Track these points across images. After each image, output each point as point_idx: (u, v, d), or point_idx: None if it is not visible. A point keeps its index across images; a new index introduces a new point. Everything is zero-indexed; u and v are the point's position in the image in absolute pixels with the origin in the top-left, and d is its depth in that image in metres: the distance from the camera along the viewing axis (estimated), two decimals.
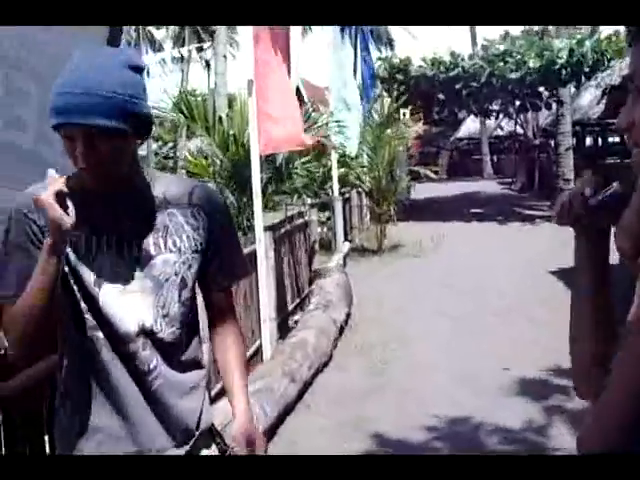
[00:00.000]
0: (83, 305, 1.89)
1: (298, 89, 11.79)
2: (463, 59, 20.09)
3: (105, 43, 3.06)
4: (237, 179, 8.43)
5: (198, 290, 2.10)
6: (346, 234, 14.22)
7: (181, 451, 2.00)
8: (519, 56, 19.20)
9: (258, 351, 6.69)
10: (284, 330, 7.48)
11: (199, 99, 10.67)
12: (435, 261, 12.89)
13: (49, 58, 2.70)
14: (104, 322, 1.90)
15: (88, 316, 1.90)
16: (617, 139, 23.87)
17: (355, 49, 14.86)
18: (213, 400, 2.46)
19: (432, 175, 21.03)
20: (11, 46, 2.65)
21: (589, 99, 21.45)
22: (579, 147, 23.56)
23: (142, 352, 1.93)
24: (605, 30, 20.01)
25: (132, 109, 1.79)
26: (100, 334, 1.90)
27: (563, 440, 4.93)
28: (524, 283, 10.60)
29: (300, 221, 9.87)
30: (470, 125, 40.52)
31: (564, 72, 18.80)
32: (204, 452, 2.07)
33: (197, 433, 2.04)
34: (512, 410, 5.63)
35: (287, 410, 5.67)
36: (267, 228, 7.11)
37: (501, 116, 26.21)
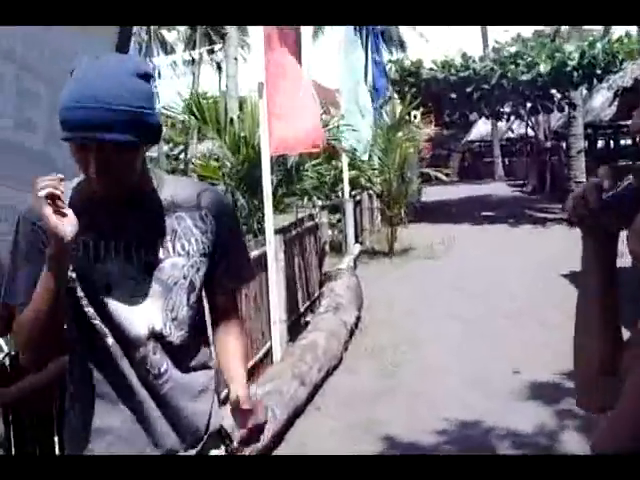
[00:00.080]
0: (92, 310, 1.89)
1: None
2: (474, 61, 20.06)
3: (115, 44, 3.06)
4: (248, 181, 8.43)
5: (203, 293, 2.10)
6: (357, 236, 14.21)
7: (190, 453, 2.00)
8: (530, 58, 19.14)
9: (268, 353, 6.69)
10: (295, 332, 7.47)
11: (210, 101, 10.67)
12: (446, 264, 12.84)
13: (59, 59, 2.70)
14: (114, 327, 1.90)
15: (97, 321, 1.90)
16: (629, 141, 23.79)
17: (366, 51, 14.85)
18: (222, 402, 2.45)
19: (443, 177, 20.94)
20: (21, 47, 2.65)
21: (601, 101, 21.41)
22: (591, 149, 23.51)
23: (152, 356, 1.93)
24: (617, 31, 19.94)
25: (145, 120, 1.79)
26: (110, 339, 1.90)
27: (575, 445, 4.89)
28: (535, 286, 10.56)
29: (311, 223, 9.87)
30: (481, 127, 40.48)
31: (576, 74, 18.74)
32: (213, 453, 2.07)
33: (206, 435, 2.04)
34: (523, 414, 5.60)
35: (297, 413, 5.66)
36: (277, 230, 7.11)
37: (512, 118, 26.17)
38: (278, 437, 5.15)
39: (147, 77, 1.83)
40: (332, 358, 6.86)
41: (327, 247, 11.09)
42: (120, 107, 1.73)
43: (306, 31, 8.83)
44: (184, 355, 1.99)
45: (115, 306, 1.90)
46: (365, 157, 13.68)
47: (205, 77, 64.81)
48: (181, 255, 1.97)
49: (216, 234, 2.02)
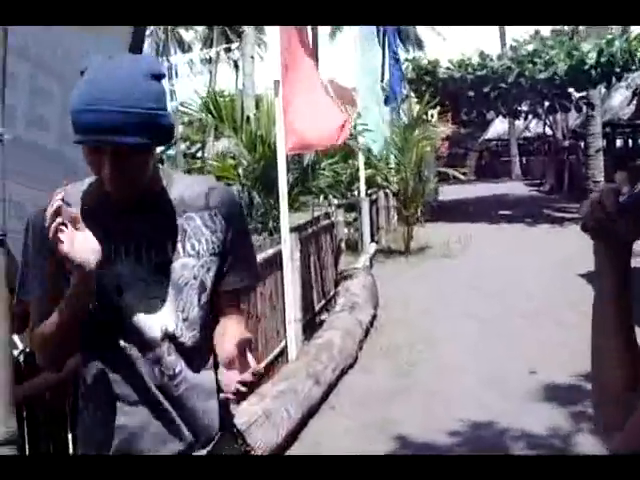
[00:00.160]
0: (105, 313, 1.89)
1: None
2: (492, 59, 19.99)
3: (129, 43, 3.06)
4: (264, 180, 8.44)
5: None
6: (373, 235, 14.18)
7: (203, 452, 1.99)
8: (548, 57, 19.03)
9: (283, 352, 6.69)
10: (310, 331, 7.47)
11: (227, 99, 10.70)
12: (463, 263, 12.80)
13: (73, 58, 2.70)
14: (128, 329, 1.90)
15: (110, 323, 1.90)
16: None
17: (383, 50, 14.84)
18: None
19: (460, 176, 20.90)
20: (35, 46, 2.66)
21: (619, 100, 21.28)
22: (609, 148, 23.37)
23: (167, 357, 1.92)
24: (635, 30, 19.78)
25: (158, 122, 1.78)
26: (123, 341, 1.90)
27: (590, 447, 4.85)
28: (553, 285, 10.51)
29: (326, 222, 9.86)
30: (498, 126, 40.32)
31: (594, 73, 18.62)
32: (226, 452, 2.07)
33: (219, 434, 2.04)
34: (539, 414, 5.57)
35: (311, 412, 5.65)
36: (293, 229, 7.11)
37: (530, 117, 26.04)
38: (292, 436, 5.15)
39: (160, 77, 1.82)
40: (347, 357, 6.85)
41: (343, 246, 11.08)
42: (133, 110, 1.72)
43: (323, 30, 8.82)
44: (196, 355, 1.98)
45: (128, 308, 1.90)
46: (380, 155, 13.66)
47: (222, 75, 65.00)
48: (191, 255, 1.96)
49: (225, 233, 2.01)
